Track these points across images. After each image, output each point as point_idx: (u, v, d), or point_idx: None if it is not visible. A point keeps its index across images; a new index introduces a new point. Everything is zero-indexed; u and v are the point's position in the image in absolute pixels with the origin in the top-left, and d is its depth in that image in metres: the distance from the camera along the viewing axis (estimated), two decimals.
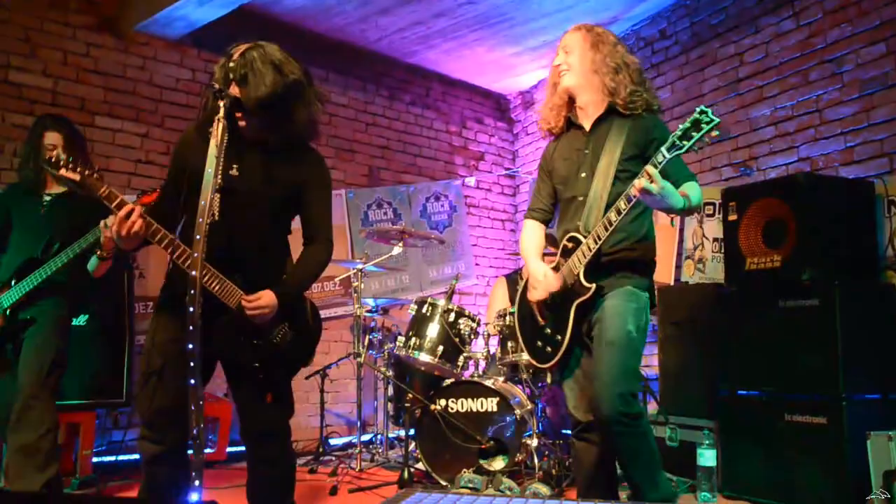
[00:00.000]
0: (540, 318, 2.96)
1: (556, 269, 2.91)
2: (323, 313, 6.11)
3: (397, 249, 5.15)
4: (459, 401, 4.35)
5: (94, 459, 4.44)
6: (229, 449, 5.23)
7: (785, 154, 5.11)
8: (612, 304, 2.76)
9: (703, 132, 2.47)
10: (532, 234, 3.14)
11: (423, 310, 4.75)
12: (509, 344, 4.68)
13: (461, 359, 4.64)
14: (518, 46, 6.89)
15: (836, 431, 3.56)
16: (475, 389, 4.36)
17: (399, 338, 4.83)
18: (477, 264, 7.55)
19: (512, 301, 5.44)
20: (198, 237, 2.17)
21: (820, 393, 3.66)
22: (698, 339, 4.45)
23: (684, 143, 2.49)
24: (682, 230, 5.66)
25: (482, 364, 4.81)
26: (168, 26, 5.53)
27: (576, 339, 2.86)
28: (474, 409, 4.32)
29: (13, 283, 3.53)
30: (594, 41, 2.92)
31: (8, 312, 3.50)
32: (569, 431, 5.29)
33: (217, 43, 5.88)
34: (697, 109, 2.49)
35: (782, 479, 3.76)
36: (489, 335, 4.89)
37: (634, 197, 2.57)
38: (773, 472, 3.81)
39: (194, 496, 2.03)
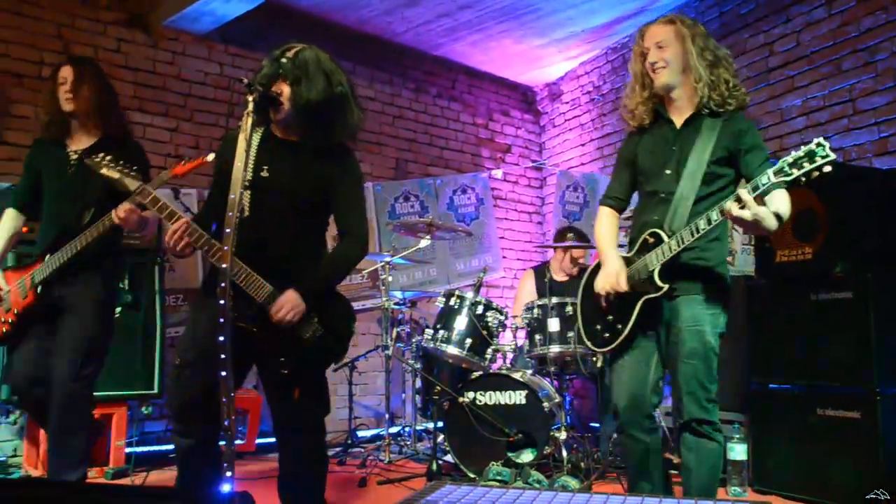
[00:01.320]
0: (603, 303, 2.92)
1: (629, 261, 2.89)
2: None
3: (425, 242, 5.15)
4: (488, 393, 4.34)
5: (127, 450, 4.50)
6: (259, 440, 5.27)
7: None
8: (690, 313, 2.75)
9: (815, 166, 2.32)
10: (608, 222, 3.08)
11: (451, 302, 4.75)
12: (537, 337, 4.67)
13: (489, 351, 4.64)
14: (544, 38, 6.86)
15: (869, 426, 3.51)
16: (503, 382, 4.35)
17: (427, 330, 4.84)
18: (504, 257, 7.54)
19: (539, 294, 5.43)
20: (227, 231, 2.18)
21: (853, 386, 3.61)
22: (728, 333, 4.39)
23: (793, 171, 2.36)
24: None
25: (510, 357, 4.82)
26: (196, 21, 5.57)
27: (635, 332, 2.85)
28: (502, 402, 4.31)
29: (47, 257, 3.30)
30: (689, 34, 2.81)
31: (40, 289, 3.28)
32: (596, 425, 5.30)
33: (243, 37, 5.93)
34: (815, 141, 2.34)
35: (814, 473, 3.72)
36: (517, 328, 4.88)
37: (725, 215, 2.52)
38: (805, 467, 3.77)
39: (226, 487, 2.05)
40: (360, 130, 2.74)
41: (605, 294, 2.89)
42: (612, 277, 2.85)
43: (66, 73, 3.47)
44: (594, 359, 4.66)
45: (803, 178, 2.36)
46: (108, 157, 2.78)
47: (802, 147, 2.35)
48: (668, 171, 2.84)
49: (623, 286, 2.81)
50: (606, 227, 3.08)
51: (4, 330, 3.34)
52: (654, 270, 2.74)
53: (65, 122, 3.48)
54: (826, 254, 3.80)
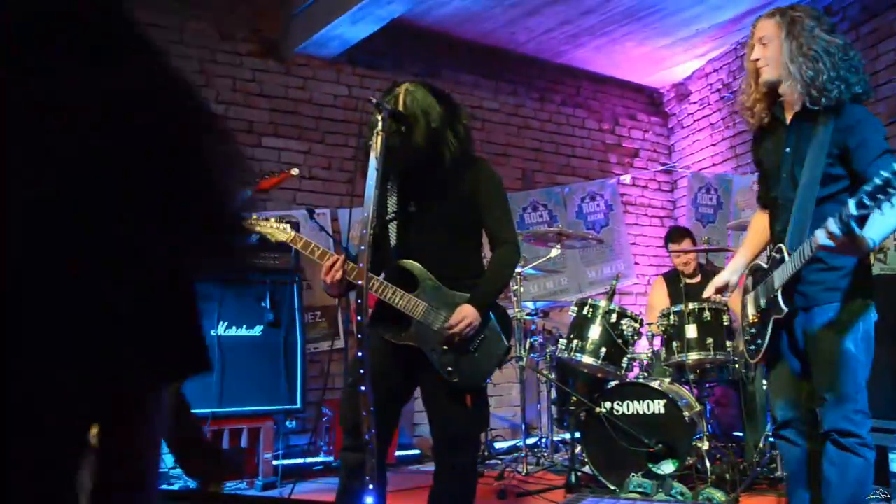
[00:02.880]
0: (751, 316, 2.88)
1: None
2: None
3: (555, 251, 5.12)
4: (625, 403, 4.26)
5: (274, 462, 4.68)
6: (398, 453, 5.37)
7: None
8: (822, 323, 2.64)
9: (891, 197, 2.17)
10: (751, 230, 3.05)
11: (584, 311, 4.69)
12: (674, 344, 4.54)
13: (625, 360, 4.54)
14: (669, 38, 6.70)
15: None
16: (641, 391, 4.26)
17: (560, 340, 4.80)
18: (636, 263, 7.39)
19: (672, 300, 5.28)
20: (362, 248, 2.25)
21: None
22: (886, 335, 4.13)
23: (871, 203, 2.21)
24: None
25: (646, 365, 4.71)
26: (324, 46, 5.78)
27: (775, 346, 2.78)
28: (640, 412, 4.22)
29: None
30: (789, 28, 2.68)
31: None
32: (740, 434, 5.10)
33: (370, 58, 6.10)
34: (891, 169, 2.15)
35: None
36: (653, 335, 4.77)
37: (818, 249, 2.40)
38: None
39: (369, 500, 2.10)
40: (470, 143, 2.76)
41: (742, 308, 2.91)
42: (732, 303, 2.94)
43: None
44: (736, 365, 4.50)
45: (882, 210, 2.19)
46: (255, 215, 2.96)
47: (878, 174, 2.15)
48: (783, 175, 2.74)
49: (729, 301, 2.91)
50: (750, 231, 3.05)
51: None
52: (777, 291, 2.65)
53: None
54: None
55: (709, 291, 2.96)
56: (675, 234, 5.65)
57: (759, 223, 2.99)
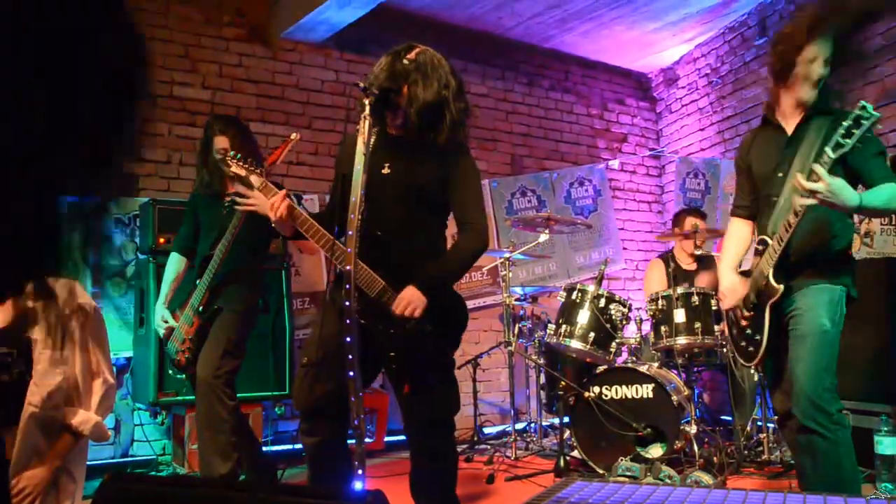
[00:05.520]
0: (742, 321, 2.96)
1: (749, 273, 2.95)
2: (472, 303, 6.23)
3: (543, 237, 5.12)
4: (613, 388, 4.27)
5: (263, 449, 4.67)
6: (388, 438, 5.38)
7: None
8: (805, 301, 2.74)
9: (863, 129, 2.44)
10: (732, 238, 3.12)
11: (573, 296, 4.70)
12: (663, 329, 4.56)
13: (613, 345, 4.56)
14: (658, 21, 6.68)
15: None
16: (629, 376, 4.28)
17: (549, 325, 4.81)
18: (625, 248, 7.40)
19: (669, 280, 5.30)
20: (350, 233, 2.24)
21: None
22: (869, 318, 4.16)
23: (847, 141, 2.47)
24: None
25: (635, 350, 4.73)
26: (311, 31, 5.73)
27: (775, 337, 2.85)
28: (629, 396, 4.24)
29: (197, 282, 3.68)
30: None
31: (200, 309, 3.63)
32: (728, 418, 5.13)
33: (357, 43, 6.05)
34: (859, 105, 2.46)
35: None
36: (641, 320, 4.78)
37: (804, 195, 2.53)
38: None
39: (358, 485, 2.09)
40: (466, 127, 2.74)
41: (733, 311, 2.97)
42: (728, 295, 2.96)
43: (223, 143, 3.72)
44: (724, 350, 4.53)
45: (858, 144, 2.46)
46: (239, 156, 2.90)
47: (849, 115, 2.46)
48: (779, 175, 2.87)
49: (742, 293, 2.90)
50: (728, 243, 3.14)
51: (186, 357, 3.65)
52: (768, 275, 2.76)
53: (223, 179, 3.77)
54: None
55: (742, 295, 2.94)
56: (693, 213, 5.56)
57: (742, 230, 3.09)
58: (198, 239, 3.85)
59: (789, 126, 2.88)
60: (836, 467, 2.64)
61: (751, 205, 3.06)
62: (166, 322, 3.73)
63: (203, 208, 3.86)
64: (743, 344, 2.99)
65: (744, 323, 2.94)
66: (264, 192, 2.72)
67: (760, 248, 2.85)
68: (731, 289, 2.95)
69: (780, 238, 2.69)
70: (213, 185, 3.81)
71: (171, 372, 4.21)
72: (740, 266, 3.06)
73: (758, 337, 2.86)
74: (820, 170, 2.44)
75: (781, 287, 2.73)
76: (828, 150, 2.47)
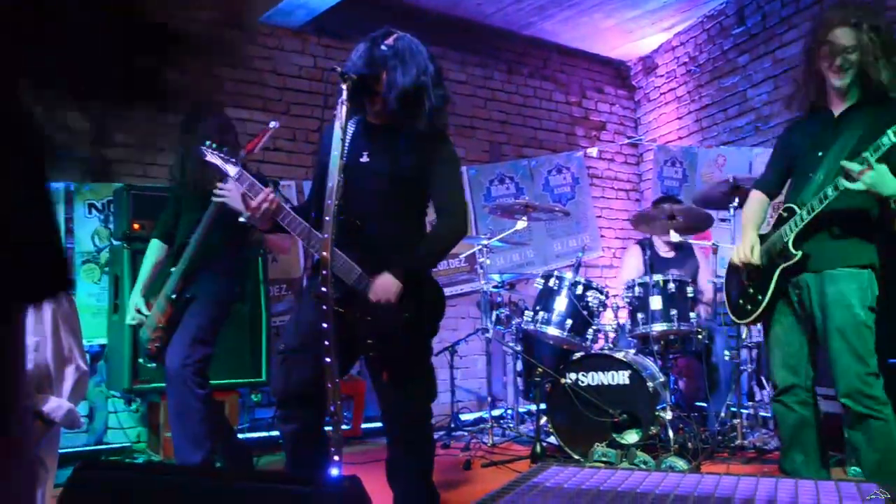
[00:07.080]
0: (744, 278, 3.07)
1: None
2: (450, 290, 6.23)
3: (521, 224, 5.12)
4: (590, 374, 4.29)
5: (240, 436, 4.66)
6: (364, 425, 5.38)
7: None
8: (835, 290, 2.79)
9: None
10: (754, 207, 3.17)
11: (550, 283, 4.71)
12: (639, 315, 4.59)
13: (590, 332, 4.59)
14: (637, 9, 6.68)
15: None
16: (606, 362, 4.30)
17: (526, 312, 4.82)
18: (602, 236, 7.43)
19: (646, 267, 5.31)
20: (327, 219, 2.22)
21: None
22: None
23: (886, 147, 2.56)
24: None
25: (611, 336, 4.75)
26: (290, 15, 5.68)
27: (777, 302, 2.97)
28: (605, 382, 4.26)
29: (171, 269, 3.63)
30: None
31: (174, 297, 3.57)
32: (703, 404, 5.17)
33: (336, 28, 6.01)
34: None
35: None
36: (618, 307, 4.81)
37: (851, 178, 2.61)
38: None
39: (334, 471, 2.09)
40: (446, 114, 2.72)
41: (741, 266, 3.04)
42: (745, 250, 3.01)
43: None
44: (699, 336, 4.57)
45: None
46: (216, 145, 2.86)
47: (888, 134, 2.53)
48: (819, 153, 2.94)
49: (754, 258, 2.97)
50: (751, 207, 3.19)
51: (157, 346, 3.61)
52: (788, 241, 2.85)
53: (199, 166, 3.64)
54: None
55: (754, 259, 3.00)
56: (670, 201, 5.56)
57: (762, 202, 3.18)
58: (178, 225, 3.80)
59: (836, 110, 2.93)
60: (889, 439, 2.75)
61: (773, 180, 3.16)
62: (140, 312, 3.68)
63: (186, 197, 3.80)
64: (741, 301, 3.09)
65: (745, 281, 3.05)
66: (251, 193, 2.66)
67: (785, 214, 2.93)
68: (752, 245, 3.01)
69: (812, 208, 2.77)
70: (197, 179, 3.70)
71: (141, 360, 4.17)
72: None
73: (759, 297, 2.97)
74: (869, 157, 2.55)
75: (799, 254, 2.82)
76: (891, 133, 2.53)
